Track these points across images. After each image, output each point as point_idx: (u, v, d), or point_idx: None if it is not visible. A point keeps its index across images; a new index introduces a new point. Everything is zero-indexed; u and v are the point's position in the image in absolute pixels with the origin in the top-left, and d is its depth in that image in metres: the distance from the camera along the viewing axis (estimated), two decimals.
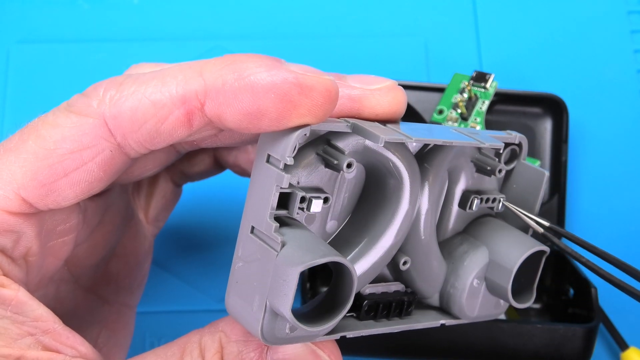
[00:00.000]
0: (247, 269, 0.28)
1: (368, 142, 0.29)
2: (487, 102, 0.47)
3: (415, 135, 0.28)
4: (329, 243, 0.30)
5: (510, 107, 0.50)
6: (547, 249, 0.33)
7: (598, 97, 0.53)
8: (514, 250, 0.33)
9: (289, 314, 0.26)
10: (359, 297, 0.31)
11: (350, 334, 0.30)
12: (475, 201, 0.33)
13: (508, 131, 0.34)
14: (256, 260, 0.27)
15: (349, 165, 0.27)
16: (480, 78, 0.48)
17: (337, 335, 0.29)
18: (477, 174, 0.34)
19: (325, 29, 0.54)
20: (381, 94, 0.29)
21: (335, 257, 0.26)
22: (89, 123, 0.28)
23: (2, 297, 0.27)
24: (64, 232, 0.32)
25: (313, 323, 0.27)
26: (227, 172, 0.41)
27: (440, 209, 0.34)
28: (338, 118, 0.29)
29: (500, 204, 0.34)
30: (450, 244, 0.34)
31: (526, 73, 0.53)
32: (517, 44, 0.54)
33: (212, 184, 0.44)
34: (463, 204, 0.33)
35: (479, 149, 0.33)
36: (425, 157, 0.31)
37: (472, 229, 0.34)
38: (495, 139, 0.32)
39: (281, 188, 0.26)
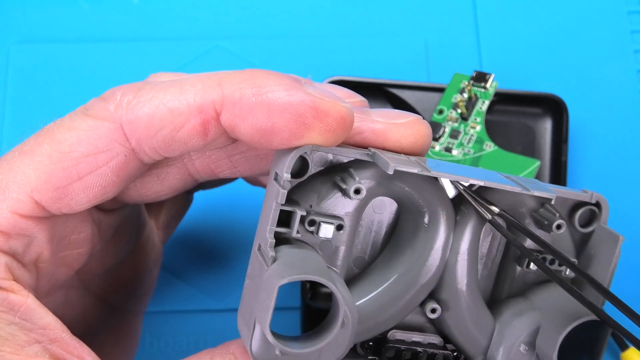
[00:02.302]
0: (250, 286, 0.28)
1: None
2: (487, 102, 0.47)
3: (438, 170, 0.27)
4: (355, 278, 0.30)
5: (510, 107, 0.50)
6: (611, 322, 0.28)
7: (598, 97, 0.53)
8: (566, 315, 0.29)
9: (267, 330, 0.25)
10: (382, 340, 0.30)
11: None
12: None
13: (585, 190, 0.31)
14: (255, 277, 0.27)
15: (357, 192, 0.27)
16: (480, 78, 0.48)
17: None
18: (552, 233, 0.30)
19: (325, 29, 0.54)
20: (405, 128, 0.29)
21: (315, 277, 0.25)
22: (105, 127, 0.28)
23: (11, 302, 0.27)
24: (78, 244, 0.32)
25: (296, 343, 0.26)
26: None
27: (491, 261, 0.31)
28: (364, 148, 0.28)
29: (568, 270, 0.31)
30: (504, 305, 0.31)
31: (526, 73, 0.53)
32: (517, 44, 0.54)
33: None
34: (520, 260, 0.31)
35: (542, 203, 0.31)
36: (464, 201, 0.30)
37: (532, 292, 0.31)
38: (551, 190, 0.29)
39: (280, 205, 0.26)
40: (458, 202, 0.30)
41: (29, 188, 0.28)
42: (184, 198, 0.40)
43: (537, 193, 0.28)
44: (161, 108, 0.27)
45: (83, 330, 0.31)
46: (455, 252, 0.30)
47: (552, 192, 0.29)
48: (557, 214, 0.30)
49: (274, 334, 0.25)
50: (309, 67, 0.52)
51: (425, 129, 0.29)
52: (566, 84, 0.53)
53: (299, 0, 0.55)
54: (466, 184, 0.29)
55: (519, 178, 0.29)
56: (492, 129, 0.48)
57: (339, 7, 0.55)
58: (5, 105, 0.51)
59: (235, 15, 0.54)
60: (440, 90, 0.49)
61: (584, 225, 0.31)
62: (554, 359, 0.29)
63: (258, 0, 0.55)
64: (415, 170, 0.27)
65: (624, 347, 0.46)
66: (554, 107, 0.49)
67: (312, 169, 0.27)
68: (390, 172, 0.26)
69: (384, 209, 0.30)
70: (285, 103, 0.26)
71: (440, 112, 0.48)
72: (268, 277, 0.26)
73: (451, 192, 0.30)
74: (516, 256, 0.31)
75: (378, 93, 0.50)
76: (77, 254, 0.32)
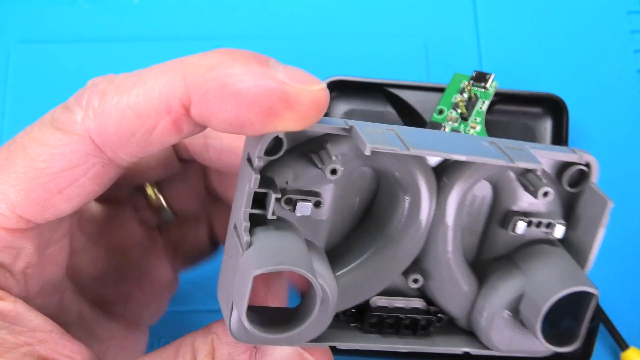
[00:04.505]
0: (228, 264, 0.27)
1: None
2: (487, 102, 0.47)
3: (418, 146, 0.26)
4: (336, 247, 0.30)
5: (510, 107, 0.50)
6: (595, 291, 0.28)
7: (598, 97, 0.53)
8: (551, 285, 0.28)
9: (243, 317, 0.25)
10: (365, 308, 0.30)
11: (341, 345, 0.29)
12: (519, 223, 0.30)
13: (574, 148, 0.30)
14: (232, 257, 0.27)
15: (333, 172, 0.26)
16: (480, 78, 0.48)
17: (325, 344, 0.28)
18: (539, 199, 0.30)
19: (325, 29, 0.54)
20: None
21: (292, 267, 0.25)
22: (76, 140, 0.27)
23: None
24: (58, 238, 0.31)
25: (271, 329, 0.26)
26: None
27: (475, 227, 0.31)
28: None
29: (560, 232, 0.30)
30: (488, 266, 0.31)
31: (526, 73, 0.53)
32: (517, 44, 0.54)
33: None
34: (504, 224, 0.30)
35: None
36: (447, 170, 0.29)
37: (519, 255, 0.31)
38: (536, 160, 0.28)
39: (254, 189, 0.26)
40: (440, 171, 0.29)
41: (9, 203, 0.27)
42: (207, 243, 0.40)
43: (522, 164, 0.27)
44: (128, 113, 0.26)
45: (81, 336, 0.31)
46: (438, 222, 0.29)
47: (537, 161, 0.28)
48: (545, 181, 0.29)
49: (251, 317, 0.25)
50: (309, 67, 0.52)
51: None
52: (566, 84, 0.53)
53: (299, 0, 0.55)
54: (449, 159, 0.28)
55: (505, 143, 0.28)
56: (492, 129, 0.48)
57: (339, 7, 0.55)
58: (5, 105, 0.51)
59: (235, 15, 0.54)
60: (440, 90, 0.49)
61: (573, 185, 0.30)
62: (537, 329, 0.28)
63: (258, 0, 0.55)
64: (394, 149, 0.26)
65: (624, 347, 0.46)
66: (554, 107, 0.49)
67: (286, 146, 0.26)
68: (368, 153, 0.25)
69: (365, 178, 0.29)
70: (253, 96, 0.25)
71: (440, 112, 0.48)
72: (243, 265, 0.25)
73: (433, 160, 0.29)
74: (500, 219, 0.30)
75: (378, 93, 0.50)
76: (59, 248, 0.32)
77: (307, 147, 0.27)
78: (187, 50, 0.55)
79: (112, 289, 0.37)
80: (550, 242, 0.31)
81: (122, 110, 0.26)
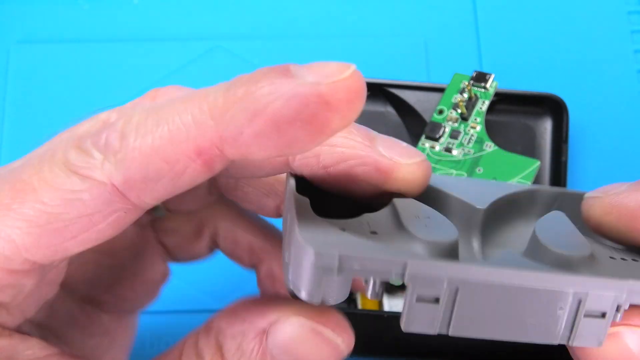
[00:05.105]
0: (286, 223, 0.26)
1: None
2: (487, 102, 0.47)
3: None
4: None
5: (510, 107, 0.50)
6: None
7: (598, 97, 0.53)
8: None
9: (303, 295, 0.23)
10: None
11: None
12: None
13: None
14: (287, 220, 0.26)
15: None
16: (480, 78, 0.48)
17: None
18: None
19: (325, 29, 0.54)
20: (414, 169, 0.26)
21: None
22: (96, 186, 0.24)
23: None
24: (58, 261, 0.30)
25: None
26: None
27: None
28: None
29: None
30: None
31: (526, 73, 0.53)
32: (517, 44, 0.54)
33: None
34: None
35: None
36: None
37: None
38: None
39: None
40: None
41: (16, 245, 0.25)
42: (201, 236, 0.37)
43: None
44: (154, 158, 0.24)
45: (73, 333, 0.30)
46: None
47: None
48: None
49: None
50: None
51: (429, 171, 0.27)
52: (566, 84, 0.53)
53: (299, 0, 0.55)
54: None
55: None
56: (492, 129, 0.48)
57: (339, 7, 0.55)
58: (5, 105, 0.51)
59: (235, 15, 0.54)
60: (440, 90, 0.49)
61: None
62: None
63: (258, 0, 0.55)
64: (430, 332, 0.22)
65: None
66: (554, 107, 0.49)
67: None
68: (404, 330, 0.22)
69: None
70: (291, 112, 0.22)
71: (440, 112, 0.48)
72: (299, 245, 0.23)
73: None
74: None
75: (378, 93, 0.50)
76: (57, 271, 0.30)
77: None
78: (187, 51, 0.55)
79: (104, 289, 0.36)
80: None
81: (147, 155, 0.24)
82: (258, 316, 0.27)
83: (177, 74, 0.52)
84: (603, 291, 0.22)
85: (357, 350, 0.39)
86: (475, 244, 0.27)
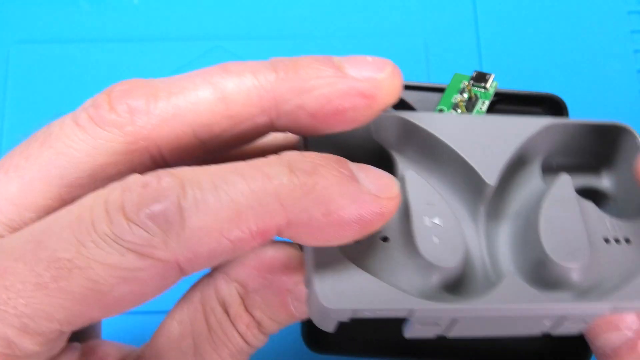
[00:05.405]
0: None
1: None
2: (487, 102, 0.47)
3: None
4: None
5: (510, 107, 0.50)
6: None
7: (598, 97, 0.53)
8: None
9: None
10: None
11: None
12: None
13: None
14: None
15: None
16: (480, 78, 0.48)
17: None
18: None
19: (325, 29, 0.54)
20: (391, 81, 0.25)
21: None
22: (156, 265, 0.23)
23: None
24: None
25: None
26: None
27: None
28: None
29: None
30: None
31: (526, 73, 0.53)
32: (517, 44, 0.54)
33: None
34: None
35: None
36: None
37: None
38: None
39: None
40: None
41: (55, 323, 0.23)
42: None
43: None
44: (221, 240, 0.23)
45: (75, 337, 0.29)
46: None
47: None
48: None
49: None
50: None
51: (401, 74, 0.26)
52: (566, 84, 0.53)
53: (299, 0, 0.55)
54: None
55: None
56: None
57: (339, 7, 0.55)
58: (5, 105, 0.51)
59: (235, 15, 0.54)
60: (440, 90, 0.49)
61: None
62: None
63: (258, 0, 0.55)
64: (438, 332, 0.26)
65: None
66: (554, 107, 0.49)
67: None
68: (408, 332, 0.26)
69: None
70: (354, 217, 0.23)
71: (440, 112, 0.48)
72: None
73: None
74: None
75: None
76: None
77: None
78: (187, 51, 0.55)
79: None
80: None
81: (213, 236, 0.23)
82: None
83: (177, 74, 0.52)
84: (585, 312, 0.26)
85: (358, 350, 0.39)
86: (482, 216, 0.28)
